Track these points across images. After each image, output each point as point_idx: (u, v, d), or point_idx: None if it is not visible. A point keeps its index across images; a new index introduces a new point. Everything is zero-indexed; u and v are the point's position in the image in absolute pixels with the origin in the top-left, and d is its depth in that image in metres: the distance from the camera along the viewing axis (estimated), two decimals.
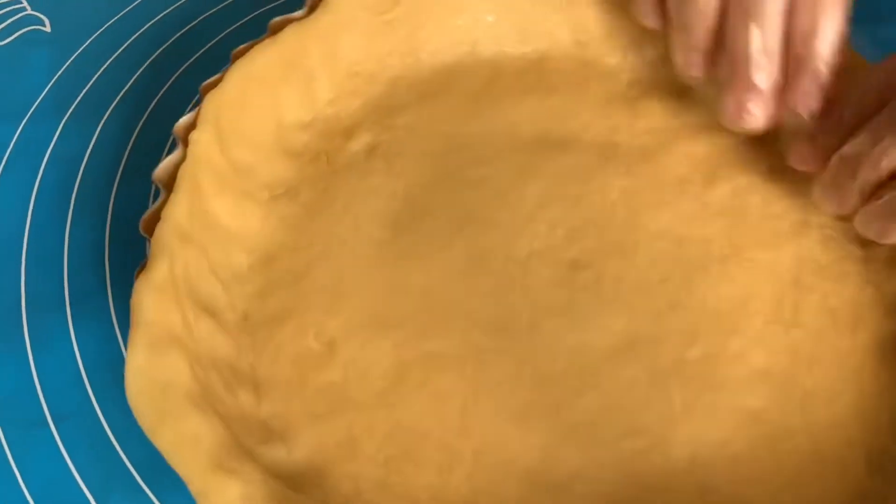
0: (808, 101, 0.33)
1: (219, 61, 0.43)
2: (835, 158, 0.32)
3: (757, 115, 0.33)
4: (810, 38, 0.32)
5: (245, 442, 0.29)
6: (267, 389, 0.32)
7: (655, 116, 0.39)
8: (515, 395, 0.32)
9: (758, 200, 0.37)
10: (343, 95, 0.39)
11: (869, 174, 0.31)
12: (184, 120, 0.34)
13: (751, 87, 0.33)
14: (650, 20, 0.37)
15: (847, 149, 0.32)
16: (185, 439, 0.27)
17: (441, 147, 0.38)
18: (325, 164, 0.37)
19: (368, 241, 0.35)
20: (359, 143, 0.38)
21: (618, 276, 0.35)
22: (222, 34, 0.45)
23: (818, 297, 0.34)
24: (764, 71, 0.33)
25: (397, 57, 0.40)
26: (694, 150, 0.38)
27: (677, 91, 0.39)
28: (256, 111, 0.36)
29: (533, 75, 0.40)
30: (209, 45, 0.44)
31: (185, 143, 0.34)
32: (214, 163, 0.34)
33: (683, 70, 0.36)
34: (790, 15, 0.32)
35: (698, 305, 0.34)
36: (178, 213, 0.32)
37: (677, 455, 0.31)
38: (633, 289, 0.34)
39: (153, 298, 0.29)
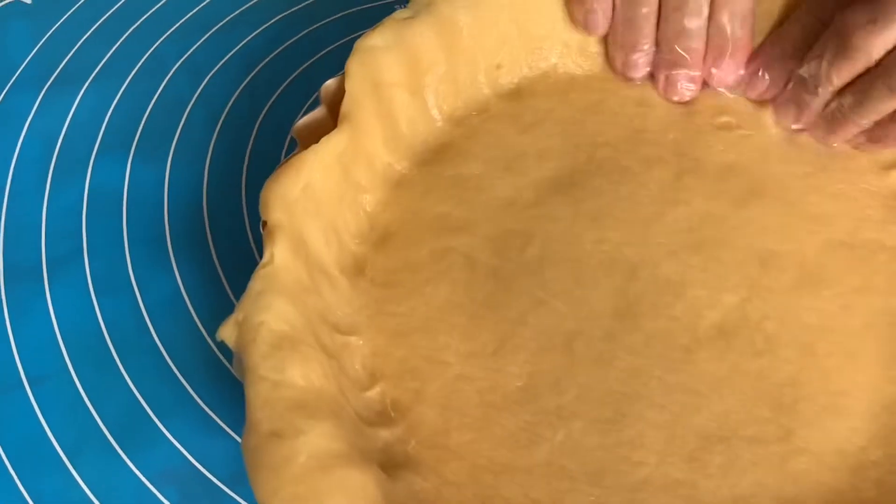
0: (728, 74, 0.38)
1: (199, 31, 0.44)
2: (794, 79, 0.37)
3: (687, 86, 0.38)
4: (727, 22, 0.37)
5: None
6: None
7: None
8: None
9: None
10: None
11: (826, 89, 0.36)
12: None
13: (680, 63, 0.38)
14: (600, 27, 0.38)
15: (804, 70, 0.36)
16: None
17: None
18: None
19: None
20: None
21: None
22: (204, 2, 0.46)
23: None
24: (692, 49, 0.38)
25: None
26: None
27: None
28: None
29: None
30: (191, 13, 0.45)
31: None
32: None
33: (623, 71, 0.39)
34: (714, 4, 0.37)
35: None
36: None
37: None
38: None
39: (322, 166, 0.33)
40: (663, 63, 0.38)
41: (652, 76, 0.39)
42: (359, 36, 0.35)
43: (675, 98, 0.39)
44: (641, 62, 0.38)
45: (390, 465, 0.29)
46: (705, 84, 0.39)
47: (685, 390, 0.32)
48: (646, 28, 0.38)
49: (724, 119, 0.38)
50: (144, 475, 0.32)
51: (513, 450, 0.31)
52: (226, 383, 0.34)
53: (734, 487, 0.30)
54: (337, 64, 0.36)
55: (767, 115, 0.38)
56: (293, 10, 0.45)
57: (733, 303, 0.33)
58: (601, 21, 0.38)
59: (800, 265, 0.34)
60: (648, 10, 0.37)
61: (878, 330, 0.33)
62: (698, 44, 0.37)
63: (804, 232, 0.35)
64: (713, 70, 0.38)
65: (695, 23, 0.37)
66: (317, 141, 0.32)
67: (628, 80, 0.39)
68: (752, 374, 0.32)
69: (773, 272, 0.34)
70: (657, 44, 0.38)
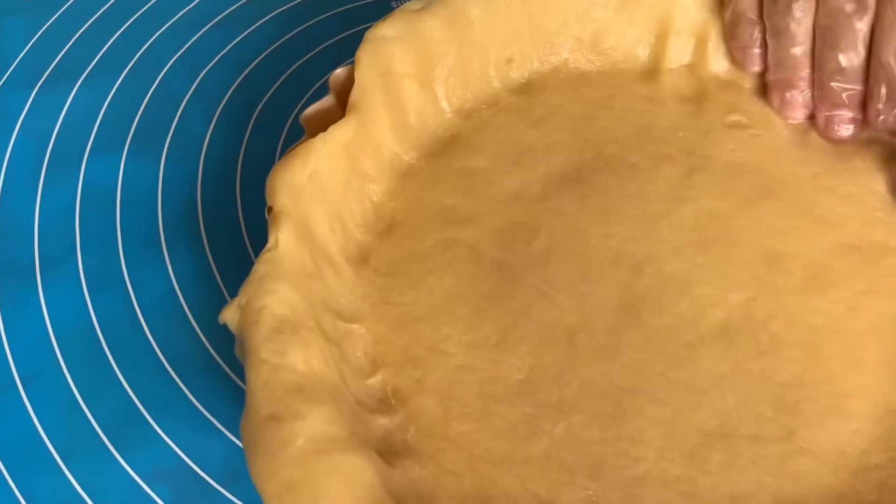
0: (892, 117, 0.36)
1: (194, 27, 0.44)
2: None
3: (845, 127, 0.37)
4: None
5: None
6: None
7: None
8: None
9: None
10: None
11: None
12: None
13: (838, 103, 0.36)
14: (756, 64, 0.38)
15: None
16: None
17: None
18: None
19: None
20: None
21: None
22: None
23: None
24: (849, 89, 0.36)
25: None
26: None
27: None
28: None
29: None
30: (186, 9, 0.45)
31: None
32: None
33: (781, 110, 0.38)
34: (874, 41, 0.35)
35: None
36: None
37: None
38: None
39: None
40: (822, 103, 0.37)
41: (812, 116, 0.37)
42: (354, 32, 0.35)
43: (833, 138, 0.37)
44: (799, 101, 0.37)
45: (389, 452, 0.29)
46: (867, 124, 0.36)
47: (687, 387, 0.31)
48: (800, 67, 0.37)
49: (735, 118, 0.38)
50: (137, 474, 0.32)
51: (512, 441, 0.30)
52: (220, 381, 0.34)
53: (733, 485, 0.29)
54: (333, 61, 0.36)
55: (778, 115, 0.38)
56: (289, 6, 0.45)
57: (739, 302, 0.33)
58: (756, 58, 0.38)
59: (807, 266, 0.34)
60: (801, 49, 0.36)
61: (885, 334, 0.33)
62: (856, 83, 0.36)
63: (812, 233, 0.35)
64: (877, 113, 0.36)
65: (851, 61, 0.35)
66: (324, 129, 0.32)
67: (788, 120, 0.38)
68: (756, 373, 0.32)
69: (780, 272, 0.34)
70: (814, 83, 0.37)
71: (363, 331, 0.32)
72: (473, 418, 0.31)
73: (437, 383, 0.31)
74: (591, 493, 0.29)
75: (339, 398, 0.28)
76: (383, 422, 0.30)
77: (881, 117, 0.36)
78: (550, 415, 0.31)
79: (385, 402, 0.31)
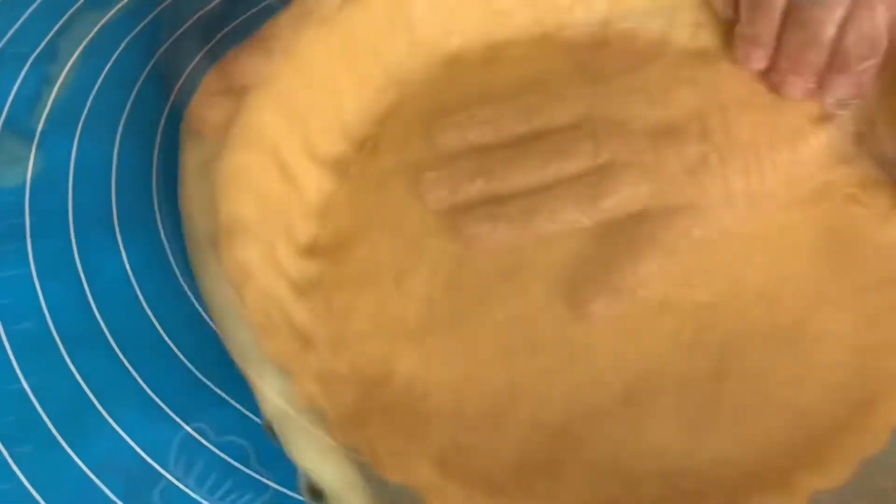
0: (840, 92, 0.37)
1: (149, 4, 0.43)
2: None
3: (797, 91, 0.37)
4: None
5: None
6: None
7: None
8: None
9: None
10: None
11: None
12: None
13: (797, 71, 0.37)
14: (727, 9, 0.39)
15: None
16: None
17: None
18: None
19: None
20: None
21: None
22: None
23: None
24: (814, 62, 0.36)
25: None
26: None
27: None
28: None
29: None
30: None
31: None
32: None
33: (744, 62, 0.38)
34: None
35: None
36: None
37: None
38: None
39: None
40: (779, 66, 0.37)
41: (767, 70, 0.38)
42: None
43: (784, 95, 0.37)
44: (758, 57, 0.37)
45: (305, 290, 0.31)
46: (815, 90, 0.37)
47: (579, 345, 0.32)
48: (769, 27, 0.37)
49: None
50: (87, 466, 0.31)
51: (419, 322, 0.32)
52: (175, 370, 0.33)
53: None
54: None
55: None
56: None
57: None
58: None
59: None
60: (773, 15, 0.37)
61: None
62: (819, 58, 0.36)
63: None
64: (826, 84, 0.37)
65: (821, 38, 0.36)
66: None
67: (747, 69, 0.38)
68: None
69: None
70: (778, 43, 0.37)
71: (330, 185, 0.34)
72: (392, 287, 0.32)
73: (377, 244, 0.33)
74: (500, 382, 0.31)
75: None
76: (310, 265, 0.32)
77: (828, 91, 0.37)
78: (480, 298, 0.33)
79: (319, 249, 0.33)
